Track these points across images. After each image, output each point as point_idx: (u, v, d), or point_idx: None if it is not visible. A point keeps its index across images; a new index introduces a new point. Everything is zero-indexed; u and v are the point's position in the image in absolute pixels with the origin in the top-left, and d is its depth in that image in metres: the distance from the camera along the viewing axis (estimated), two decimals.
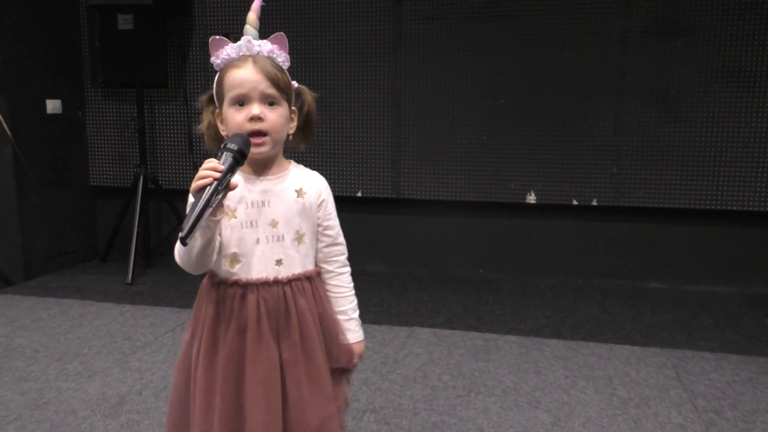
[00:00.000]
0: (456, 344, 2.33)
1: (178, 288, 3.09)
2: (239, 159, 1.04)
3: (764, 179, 2.94)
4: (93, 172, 3.65)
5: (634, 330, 2.50)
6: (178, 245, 1.08)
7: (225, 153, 1.04)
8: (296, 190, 1.19)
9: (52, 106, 3.38)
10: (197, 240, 1.06)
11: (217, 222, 1.06)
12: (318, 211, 1.20)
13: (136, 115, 3.39)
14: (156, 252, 3.57)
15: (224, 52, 1.16)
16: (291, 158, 1.24)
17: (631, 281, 3.16)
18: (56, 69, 3.40)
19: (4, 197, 3.16)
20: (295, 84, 1.19)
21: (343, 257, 1.24)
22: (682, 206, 3.04)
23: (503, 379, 2.03)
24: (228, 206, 1.14)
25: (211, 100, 1.20)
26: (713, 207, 3.00)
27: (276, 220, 1.16)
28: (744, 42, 2.88)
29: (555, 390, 1.95)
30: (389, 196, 3.25)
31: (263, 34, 1.18)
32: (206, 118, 1.21)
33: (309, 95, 1.22)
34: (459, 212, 3.32)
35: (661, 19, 2.95)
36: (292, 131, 1.20)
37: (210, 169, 1.02)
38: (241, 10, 3.33)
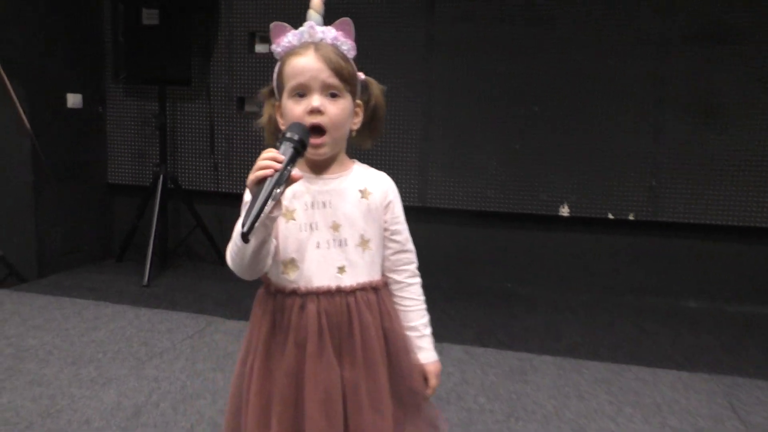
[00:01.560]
0: (489, 363, 2.20)
1: (196, 291, 2.99)
2: (299, 149, 0.96)
3: None
4: (111, 169, 3.56)
5: (676, 353, 2.37)
6: (231, 245, 0.98)
7: (284, 143, 0.95)
8: (360, 190, 1.08)
9: (73, 100, 3.30)
10: (254, 238, 0.96)
11: (274, 219, 0.96)
12: (385, 214, 1.10)
13: (158, 112, 3.30)
14: (174, 253, 3.47)
15: (285, 39, 1.06)
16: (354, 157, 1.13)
17: (666, 299, 3.03)
18: (78, 63, 3.32)
19: (21, 191, 3.08)
20: (361, 75, 1.09)
21: (413, 266, 1.12)
22: (723, 222, 2.90)
23: (544, 404, 1.90)
24: (286, 206, 1.04)
25: (272, 93, 1.11)
26: (756, 224, 2.87)
27: (338, 223, 1.06)
28: None
29: (600, 417, 1.83)
30: (415, 204, 3.13)
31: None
32: (267, 111, 1.11)
33: (377, 88, 1.12)
34: (488, 223, 3.20)
35: (703, 24, 2.82)
36: (356, 127, 1.09)
37: (270, 159, 0.92)
38: (268, 8, 3.24)
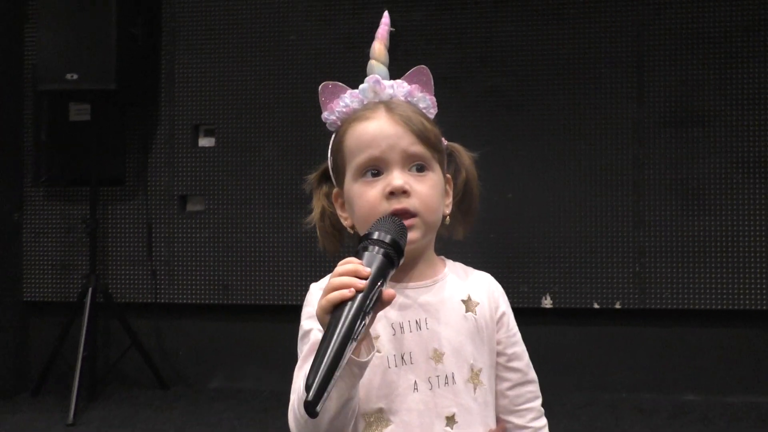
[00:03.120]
0: None
1: (133, 425, 2.53)
2: (393, 256, 0.69)
3: None
4: (27, 284, 3.09)
5: None
6: (295, 413, 0.67)
7: (370, 248, 0.69)
8: (463, 300, 0.81)
9: None
10: (331, 400, 0.62)
11: (365, 366, 0.66)
12: (497, 331, 0.79)
13: (87, 216, 2.90)
14: (104, 381, 2.97)
15: (341, 102, 0.78)
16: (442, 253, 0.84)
17: (665, 394, 2.81)
18: None
19: None
20: (443, 141, 0.82)
21: (538, 402, 0.81)
22: (710, 307, 2.78)
23: None
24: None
25: (324, 178, 0.82)
26: (747, 307, 2.75)
27: (440, 351, 0.77)
28: (761, 132, 2.76)
29: None
30: None
31: None
32: (318, 204, 0.82)
33: (466, 156, 0.85)
34: None
35: (675, 109, 2.81)
36: (448, 210, 0.81)
37: (349, 273, 0.65)
38: (214, 99, 2.99)
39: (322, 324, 0.64)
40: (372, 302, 0.64)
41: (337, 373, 0.60)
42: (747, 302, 2.75)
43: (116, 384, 3.00)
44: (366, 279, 0.64)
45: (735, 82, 2.77)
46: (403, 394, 0.73)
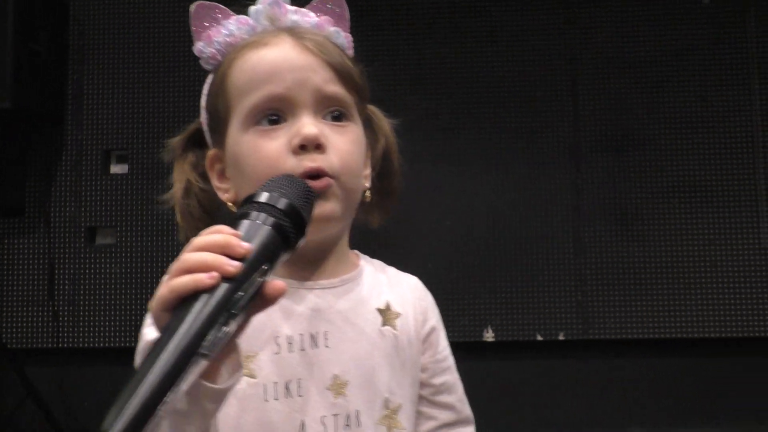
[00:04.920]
0: None
1: None
2: (289, 231, 0.46)
3: (738, 302, 2.69)
4: None
5: None
6: None
7: (253, 215, 0.46)
8: (380, 310, 0.62)
9: None
10: None
11: (221, 396, 0.45)
12: (423, 353, 0.62)
13: None
14: None
15: (224, 29, 0.59)
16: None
17: (612, 429, 2.69)
18: None
19: None
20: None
21: None
22: (654, 336, 2.70)
23: None
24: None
25: (192, 143, 0.62)
26: (690, 335, 2.69)
27: (342, 379, 0.56)
28: (695, 156, 2.75)
29: None
30: None
31: None
32: (181, 177, 0.62)
33: (386, 121, 0.66)
34: None
35: (611, 133, 2.78)
36: (368, 183, 0.62)
37: (215, 248, 0.43)
38: (126, 122, 2.76)
39: (158, 326, 0.43)
40: (246, 298, 0.43)
41: (161, 410, 0.38)
42: (689, 330, 2.69)
43: None
44: (242, 261, 0.43)
45: (667, 106, 2.76)
46: None
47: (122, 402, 0.37)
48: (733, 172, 2.71)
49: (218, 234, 0.43)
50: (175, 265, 0.42)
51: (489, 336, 2.71)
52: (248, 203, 0.46)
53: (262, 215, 0.45)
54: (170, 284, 0.41)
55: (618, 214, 2.75)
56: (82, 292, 2.73)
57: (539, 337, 2.70)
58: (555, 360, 2.75)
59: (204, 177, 0.61)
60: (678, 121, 2.76)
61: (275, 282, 0.44)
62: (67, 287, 2.73)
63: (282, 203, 0.46)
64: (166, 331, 0.39)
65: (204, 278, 0.41)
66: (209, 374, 0.42)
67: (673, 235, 2.71)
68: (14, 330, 2.72)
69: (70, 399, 2.68)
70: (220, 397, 0.43)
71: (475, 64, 2.80)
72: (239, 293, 0.42)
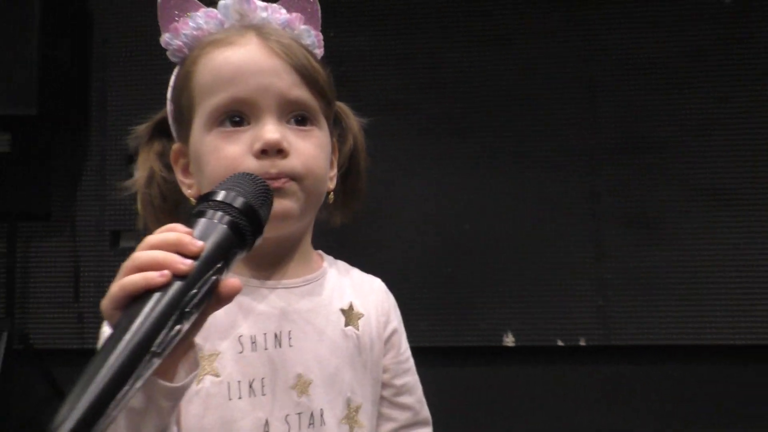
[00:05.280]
0: None
1: None
2: (245, 229, 0.46)
3: (763, 307, 2.63)
4: None
5: None
6: None
7: (209, 213, 0.46)
8: (342, 310, 0.62)
9: None
10: None
11: (178, 394, 0.45)
12: (385, 355, 0.64)
13: (5, 251, 2.65)
14: None
15: (191, 22, 0.60)
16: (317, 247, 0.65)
17: None
18: None
19: None
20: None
21: None
22: (678, 342, 2.66)
23: None
24: (201, 348, 0.51)
25: (159, 131, 0.63)
26: (714, 342, 2.64)
27: (306, 378, 0.57)
28: (716, 158, 2.70)
29: None
30: None
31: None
32: (145, 166, 0.63)
33: (354, 120, 0.66)
34: (421, 361, 2.73)
35: (629, 136, 2.73)
36: (332, 184, 0.62)
37: (168, 246, 0.43)
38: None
39: (111, 324, 0.43)
40: (199, 296, 0.42)
41: (115, 409, 0.38)
42: (712, 336, 2.64)
43: None
44: (195, 259, 0.43)
45: (687, 108, 2.71)
46: None
47: (72, 401, 0.37)
48: (756, 174, 2.65)
49: (171, 232, 0.43)
50: (126, 263, 0.43)
51: (509, 341, 2.69)
52: (205, 201, 0.47)
53: (218, 213, 0.46)
54: (121, 282, 0.42)
55: (638, 218, 2.70)
56: (105, 294, 2.77)
57: (560, 343, 2.68)
58: (575, 365, 2.71)
59: (169, 167, 0.62)
60: (698, 123, 2.70)
61: (230, 280, 0.44)
62: (91, 289, 2.78)
63: (239, 202, 0.47)
64: (117, 328, 0.40)
65: (155, 276, 0.41)
66: (166, 372, 0.43)
67: (695, 239, 2.66)
68: (41, 331, 2.77)
69: None
70: (176, 395, 0.44)
71: (490, 67, 2.78)
72: (192, 291, 0.42)
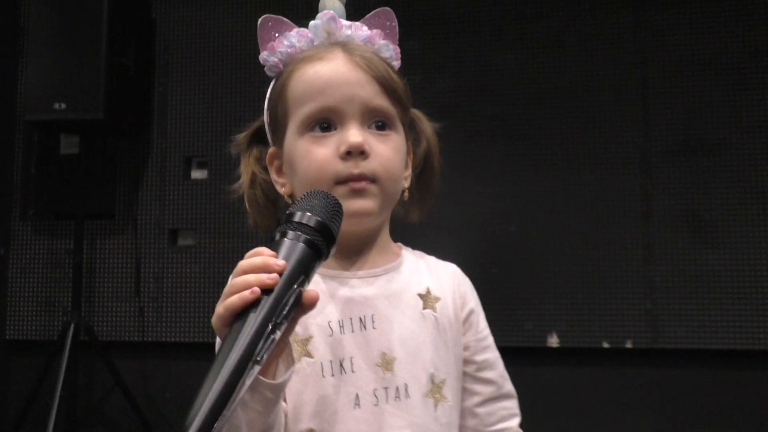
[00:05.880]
0: None
1: None
2: (320, 244, 0.54)
3: None
4: (11, 322, 2.98)
5: None
6: None
7: (289, 234, 0.55)
8: (420, 295, 0.68)
9: None
10: (240, 428, 0.53)
11: (280, 388, 0.53)
12: (465, 334, 0.66)
13: (72, 248, 2.80)
14: (84, 423, 2.81)
15: (285, 41, 0.66)
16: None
17: None
18: None
19: None
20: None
21: (516, 421, 0.67)
22: (730, 347, 2.60)
23: None
24: (296, 334, 0.60)
25: (256, 138, 0.70)
26: (764, 347, 2.57)
27: (390, 356, 0.63)
28: None
29: None
30: None
31: None
32: (247, 170, 0.69)
33: (428, 125, 0.72)
34: None
35: (683, 137, 2.69)
36: (407, 183, 0.68)
37: (256, 269, 0.51)
38: (206, 131, 2.92)
39: (221, 338, 0.51)
40: (287, 309, 0.50)
41: (229, 410, 0.47)
42: (764, 341, 2.57)
43: (98, 427, 2.85)
44: (280, 273, 0.50)
45: (745, 109, 2.65)
46: (341, 412, 0.59)
47: (197, 405, 0.48)
48: None
49: (257, 256, 0.50)
50: (226, 289, 0.50)
51: (553, 342, 2.69)
52: (286, 221, 0.54)
53: (296, 233, 0.52)
54: (224, 304, 0.50)
55: (690, 221, 2.66)
56: (165, 289, 2.90)
57: (606, 345, 2.66)
58: (621, 368, 2.69)
59: (265, 169, 0.68)
60: (753, 124, 2.64)
61: (310, 291, 0.51)
62: (151, 285, 2.91)
63: (312, 221, 0.53)
64: (225, 342, 0.47)
65: (247, 294, 0.48)
66: (267, 371, 0.49)
67: (748, 241, 2.61)
68: (104, 324, 2.91)
69: (153, 389, 2.86)
70: (278, 389, 0.50)
71: (542, 70, 2.79)
72: (281, 306, 0.49)
